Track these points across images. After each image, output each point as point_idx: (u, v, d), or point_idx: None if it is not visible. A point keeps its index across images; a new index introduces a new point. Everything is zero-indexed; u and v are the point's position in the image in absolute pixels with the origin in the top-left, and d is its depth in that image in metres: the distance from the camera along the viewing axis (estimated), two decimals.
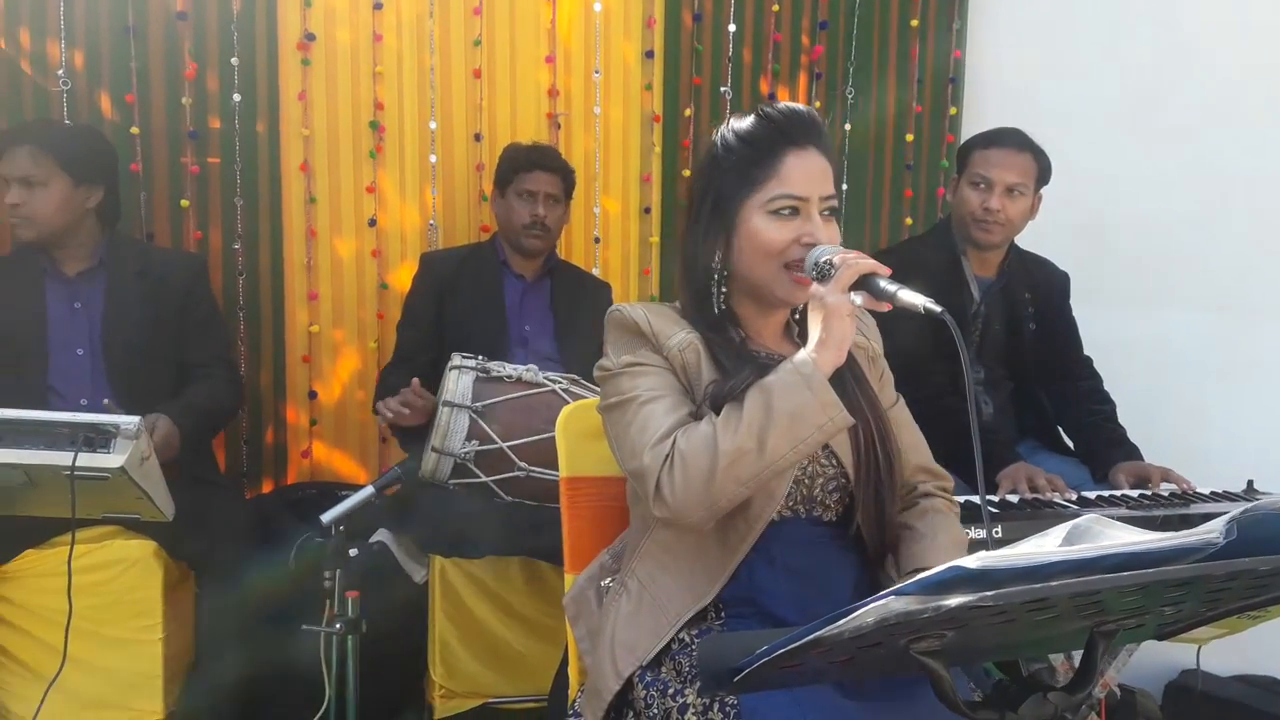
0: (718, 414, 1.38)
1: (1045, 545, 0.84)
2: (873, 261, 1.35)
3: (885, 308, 1.35)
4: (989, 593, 0.75)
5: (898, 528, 1.54)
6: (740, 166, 1.47)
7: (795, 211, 1.45)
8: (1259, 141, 3.17)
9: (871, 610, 0.81)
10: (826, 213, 1.47)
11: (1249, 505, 0.85)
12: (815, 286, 1.37)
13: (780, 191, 1.44)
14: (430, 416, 2.46)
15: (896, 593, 0.80)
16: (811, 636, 0.87)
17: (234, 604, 2.40)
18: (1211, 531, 0.84)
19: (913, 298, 1.29)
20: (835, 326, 1.34)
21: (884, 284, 1.33)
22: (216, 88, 2.92)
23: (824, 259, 1.39)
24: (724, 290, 1.50)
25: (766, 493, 1.42)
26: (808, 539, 1.48)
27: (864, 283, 1.34)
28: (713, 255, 1.50)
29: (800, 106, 1.52)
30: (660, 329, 1.48)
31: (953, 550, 1.51)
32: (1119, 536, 0.86)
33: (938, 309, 1.26)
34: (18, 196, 2.42)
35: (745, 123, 1.50)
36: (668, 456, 1.34)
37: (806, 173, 1.45)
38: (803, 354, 1.35)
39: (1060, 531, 0.86)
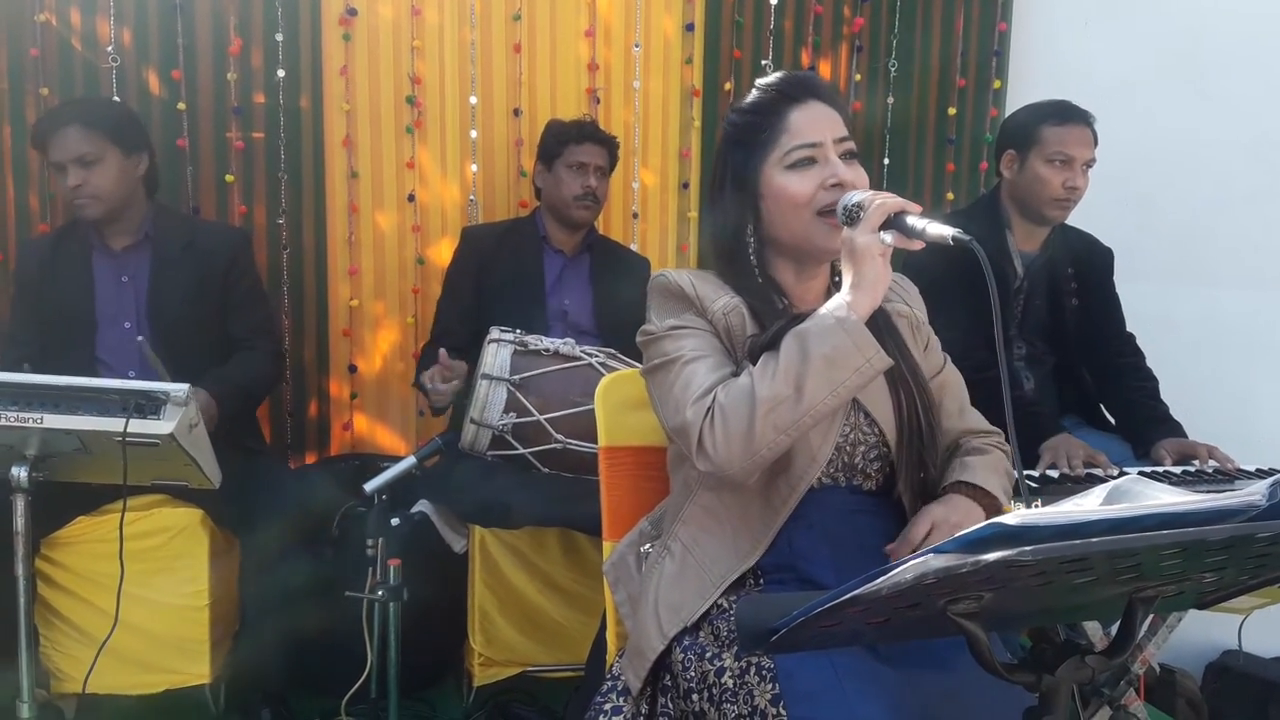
0: (752, 362, 1.39)
1: (1085, 504, 0.84)
2: (900, 200, 1.35)
3: (917, 246, 1.34)
4: (1028, 548, 0.75)
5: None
6: (749, 136, 1.50)
7: (813, 161, 1.46)
8: None
9: (910, 567, 0.81)
10: (846, 156, 1.47)
11: None
12: (845, 231, 1.37)
13: (792, 144, 1.46)
14: (468, 388, 2.49)
15: (935, 550, 0.80)
16: (850, 595, 0.87)
17: (278, 571, 2.44)
18: (1255, 494, 0.84)
19: (941, 230, 1.28)
20: (867, 268, 1.33)
21: (913, 221, 1.32)
22: (261, 63, 2.95)
23: (853, 203, 1.38)
24: (756, 261, 1.51)
25: (809, 455, 1.42)
26: (848, 507, 1.49)
27: (894, 221, 1.34)
28: (744, 227, 1.51)
29: (797, 71, 1.54)
30: (704, 293, 1.49)
31: (990, 472, 1.52)
32: (1160, 497, 0.85)
33: (966, 237, 1.24)
34: (78, 177, 2.43)
35: (747, 98, 1.54)
36: (709, 410, 1.35)
37: (813, 121, 1.47)
38: (837, 298, 1.35)
39: (1101, 491, 0.86)
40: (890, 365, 1.36)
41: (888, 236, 1.33)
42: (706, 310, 1.48)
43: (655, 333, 1.49)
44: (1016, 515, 0.77)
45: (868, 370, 1.33)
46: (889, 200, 1.34)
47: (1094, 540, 0.77)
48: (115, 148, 2.48)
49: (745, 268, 1.52)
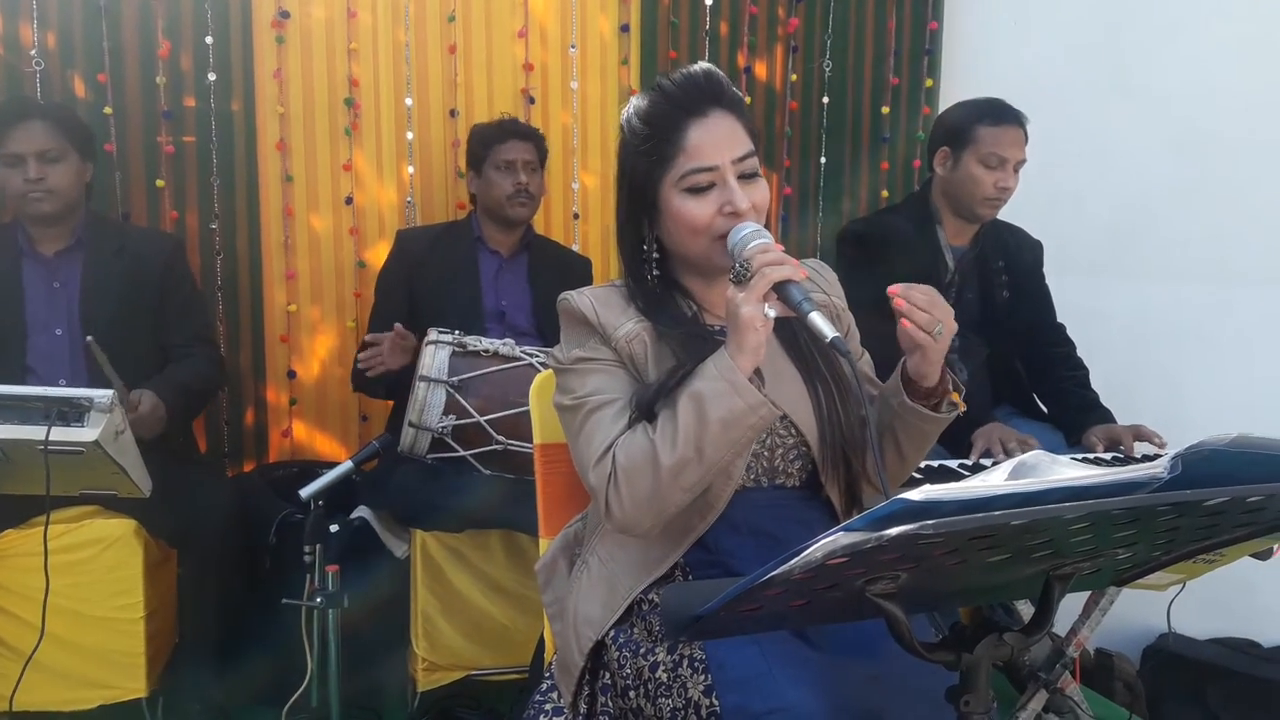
0: (643, 415, 1.38)
1: (991, 480, 0.85)
2: (788, 269, 1.30)
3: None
4: (930, 522, 0.76)
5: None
6: (648, 148, 1.44)
7: (711, 185, 1.42)
8: (1239, 111, 3.15)
9: (820, 546, 0.82)
10: (746, 174, 1.43)
11: (1195, 442, 0.85)
12: (731, 290, 1.33)
13: (689, 166, 1.41)
14: (412, 360, 2.47)
15: (845, 528, 0.81)
16: (766, 577, 0.88)
17: (215, 581, 2.41)
18: (1156, 467, 0.85)
19: (820, 324, 1.26)
20: (749, 338, 1.31)
21: (799, 298, 1.29)
22: (190, 66, 2.91)
23: (741, 259, 1.33)
24: (657, 272, 1.50)
25: (725, 475, 1.42)
26: (772, 505, 1.49)
27: (780, 289, 1.30)
28: (640, 236, 1.49)
29: (697, 70, 1.46)
30: (607, 319, 1.47)
31: None
32: (1064, 472, 0.87)
33: (844, 349, 1.24)
34: (39, 170, 2.43)
35: (645, 101, 1.47)
36: (610, 475, 1.35)
37: (712, 140, 1.41)
38: (725, 357, 1.33)
39: (1006, 467, 0.87)
40: (779, 416, 1.38)
41: (771, 311, 1.30)
42: (610, 338, 1.46)
43: (563, 364, 1.48)
44: (921, 491, 0.77)
45: (760, 425, 1.33)
46: (774, 271, 1.30)
47: (995, 514, 0.78)
48: (74, 151, 2.49)
49: (642, 277, 1.50)
